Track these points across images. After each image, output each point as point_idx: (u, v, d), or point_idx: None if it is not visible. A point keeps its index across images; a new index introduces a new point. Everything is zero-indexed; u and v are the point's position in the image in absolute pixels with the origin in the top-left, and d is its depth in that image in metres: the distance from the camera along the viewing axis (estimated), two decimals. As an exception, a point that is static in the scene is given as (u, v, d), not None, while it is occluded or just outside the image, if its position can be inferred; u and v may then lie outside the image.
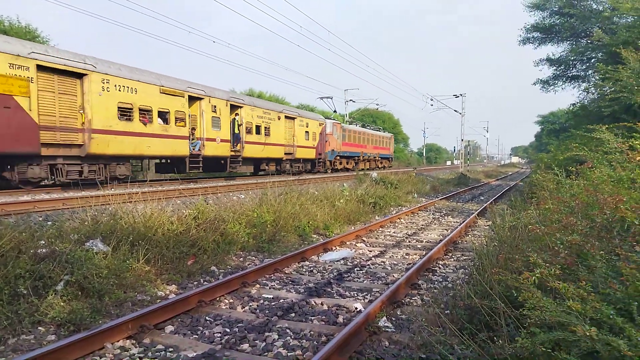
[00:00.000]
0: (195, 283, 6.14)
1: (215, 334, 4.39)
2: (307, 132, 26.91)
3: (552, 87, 22.75)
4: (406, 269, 7.02)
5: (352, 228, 11.02)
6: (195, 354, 3.91)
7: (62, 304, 4.68)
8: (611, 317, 2.04)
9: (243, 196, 12.26)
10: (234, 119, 20.37)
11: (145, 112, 15.16)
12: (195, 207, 8.26)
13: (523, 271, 2.83)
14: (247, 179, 20.93)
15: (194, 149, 17.55)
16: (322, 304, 5.34)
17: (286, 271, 6.86)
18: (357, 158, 35.34)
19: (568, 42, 21.06)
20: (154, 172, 20.16)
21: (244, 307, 5.24)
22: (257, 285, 6.07)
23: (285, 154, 24.47)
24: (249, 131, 21.13)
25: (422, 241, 9.57)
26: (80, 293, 4.99)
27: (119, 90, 14.09)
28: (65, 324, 4.40)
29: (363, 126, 40.44)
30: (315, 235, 9.90)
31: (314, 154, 27.78)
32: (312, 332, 4.44)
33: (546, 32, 21.37)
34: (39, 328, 4.34)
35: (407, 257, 8.06)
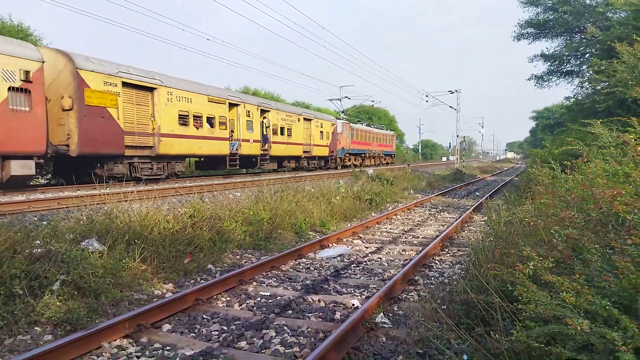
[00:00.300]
0: (192, 281, 6.13)
1: (212, 332, 4.39)
2: (321, 132, 29.72)
3: (546, 82, 22.83)
4: (403, 265, 7.03)
5: (349, 225, 11.03)
6: (192, 352, 3.91)
7: (58, 303, 4.66)
8: (607, 308, 2.05)
9: (239, 194, 12.24)
10: (262, 121, 23.12)
11: (197, 118, 18.14)
12: (192, 205, 8.24)
13: (518, 265, 2.84)
14: (244, 176, 20.97)
15: (232, 149, 20.50)
16: (319, 300, 5.35)
17: (283, 268, 6.87)
18: (363, 155, 37.30)
19: (562, 37, 21.12)
20: (193, 168, 23.64)
21: (241, 305, 5.24)
22: (254, 283, 6.07)
23: (303, 152, 27.34)
24: (274, 132, 24.12)
25: (418, 237, 9.60)
26: (76, 293, 4.97)
27: (179, 101, 17.19)
28: (62, 324, 4.38)
29: (368, 125, 42.19)
30: (311, 232, 9.90)
31: (327, 151, 30.55)
32: (309, 329, 4.45)
33: (540, 27, 21.41)
34: (36, 328, 4.32)
35: (404, 253, 8.08)
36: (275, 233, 8.94)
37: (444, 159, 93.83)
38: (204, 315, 4.86)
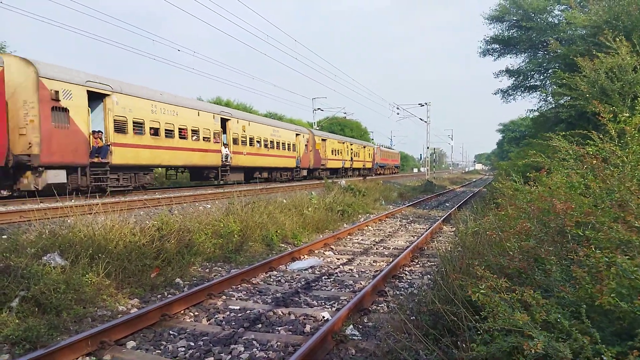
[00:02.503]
0: (159, 296, 5.99)
1: (179, 349, 4.29)
2: (368, 152, 48.51)
3: (511, 96, 23.56)
4: (373, 276, 7.07)
5: (321, 236, 11.03)
6: (157, 369, 3.81)
7: (17, 321, 4.48)
8: (558, 320, 2.12)
9: (209, 206, 12.08)
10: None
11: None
12: (159, 217, 8.08)
13: (483, 276, 2.90)
14: (215, 188, 20.71)
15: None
16: (289, 313, 5.32)
17: (253, 281, 6.79)
18: (385, 167, 56.54)
19: (526, 53, 21.90)
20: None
21: (209, 320, 5.15)
22: (224, 297, 5.98)
23: (359, 166, 44.27)
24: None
25: (389, 248, 9.68)
26: (36, 309, 4.79)
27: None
28: (20, 342, 4.20)
29: (388, 148, 64.65)
30: (283, 244, 9.85)
31: (371, 164, 49.10)
32: (279, 343, 4.40)
33: (505, 44, 22.14)
34: (-9, 348, 4.13)
35: (375, 264, 8.13)
36: (246, 245, 8.85)
37: (415, 170, 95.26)
38: (170, 331, 4.75)
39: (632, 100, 8.53)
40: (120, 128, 14.97)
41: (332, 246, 9.79)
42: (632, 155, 4.37)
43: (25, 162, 12.20)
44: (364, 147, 47.17)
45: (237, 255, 8.28)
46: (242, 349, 4.26)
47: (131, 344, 4.40)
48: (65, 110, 13.03)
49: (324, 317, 5.15)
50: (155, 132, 16.59)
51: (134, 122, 15.49)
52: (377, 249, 9.65)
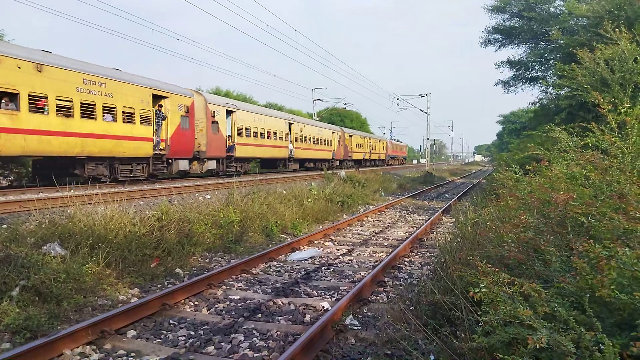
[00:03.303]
0: (159, 286, 6.01)
1: (179, 338, 4.31)
2: (383, 145, 55.05)
3: (512, 87, 23.44)
4: (373, 266, 7.09)
5: (320, 227, 11.05)
6: (158, 358, 3.83)
7: (17, 310, 4.49)
8: (556, 310, 2.12)
9: (209, 196, 12.07)
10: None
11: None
12: (159, 207, 8.08)
13: (484, 270, 2.90)
14: (215, 179, 20.73)
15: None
16: (289, 303, 5.34)
17: (253, 271, 6.81)
18: (395, 158, 63.11)
19: (528, 44, 21.75)
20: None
21: (209, 309, 5.17)
22: (224, 287, 6.00)
23: (376, 158, 50.31)
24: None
25: (388, 239, 9.70)
26: (37, 298, 4.81)
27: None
28: (21, 331, 4.22)
29: (397, 141, 69.56)
30: (283, 235, 9.87)
31: (384, 156, 55.18)
32: (278, 333, 4.43)
33: (507, 34, 21.97)
34: (-8, 336, 4.15)
35: (374, 254, 8.15)
36: (246, 236, 8.87)
37: (415, 161, 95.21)
38: (170, 321, 4.76)
39: (633, 90, 8.49)
40: (239, 133, 22.00)
41: (331, 237, 9.81)
42: (632, 146, 4.36)
43: (196, 156, 18.66)
44: (380, 140, 55.09)
45: (237, 245, 8.30)
46: (242, 338, 4.28)
47: (131, 333, 4.42)
48: (216, 122, 19.83)
49: (323, 307, 5.17)
50: (255, 134, 23.47)
51: (245, 129, 22.55)
52: (376, 239, 9.67)
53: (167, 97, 16.71)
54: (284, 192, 13.36)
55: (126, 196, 8.80)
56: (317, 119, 42.69)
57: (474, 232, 5.56)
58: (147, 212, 8.07)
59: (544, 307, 2.16)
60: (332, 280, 6.48)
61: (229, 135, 20.98)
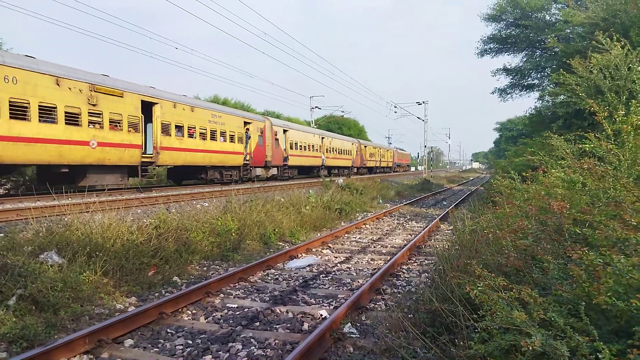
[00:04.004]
0: (156, 294, 5.99)
1: (176, 347, 4.29)
2: (390, 154, 60.49)
3: (509, 95, 23.59)
4: (371, 274, 7.09)
5: (318, 234, 11.04)
6: (155, 367, 3.81)
7: (14, 319, 4.47)
8: (553, 318, 2.13)
9: (207, 204, 12.06)
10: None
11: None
12: (157, 216, 8.07)
13: (481, 275, 2.91)
14: (214, 186, 20.73)
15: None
16: (287, 312, 5.32)
17: (251, 280, 6.80)
18: (400, 165, 68.40)
19: (524, 52, 21.92)
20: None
21: (207, 318, 5.15)
22: (221, 295, 5.98)
23: (385, 165, 56.12)
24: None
25: (386, 246, 9.70)
26: (34, 307, 4.78)
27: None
28: (18, 341, 4.19)
29: (402, 150, 74.63)
30: (281, 243, 9.86)
31: (392, 163, 60.45)
32: (276, 341, 4.41)
33: (503, 42, 22.16)
34: (-12, 346, 4.12)
35: (372, 262, 8.14)
36: (244, 244, 8.85)
37: (413, 168, 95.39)
38: (168, 330, 4.75)
39: (628, 97, 8.55)
40: (291, 146, 28.51)
41: (329, 244, 9.80)
42: (628, 154, 4.39)
43: (266, 165, 24.72)
44: (388, 150, 62.01)
45: (234, 253, 8.28)
46: (240, 347, 4.27)
47: (129, 342, 4.40)
48: (277, 139, 26.17)
49: (321, 315, 5.16)
50: (300, 147, 30.04)
51: (294, 143, 29.00)
52: (374, 247, 9.66)
53: (251, 123, 23.51)
54: (282, 199, 13.36)
55: (124, 204, 8.79)
56: (315, 126, 42.80)
57: (471, 239, 5.57)
58: (144, 220, 8.05)
59: (540, 313, 2.17)
60: (330, 288, 6.47)
61: (284, 149, 27.50)
